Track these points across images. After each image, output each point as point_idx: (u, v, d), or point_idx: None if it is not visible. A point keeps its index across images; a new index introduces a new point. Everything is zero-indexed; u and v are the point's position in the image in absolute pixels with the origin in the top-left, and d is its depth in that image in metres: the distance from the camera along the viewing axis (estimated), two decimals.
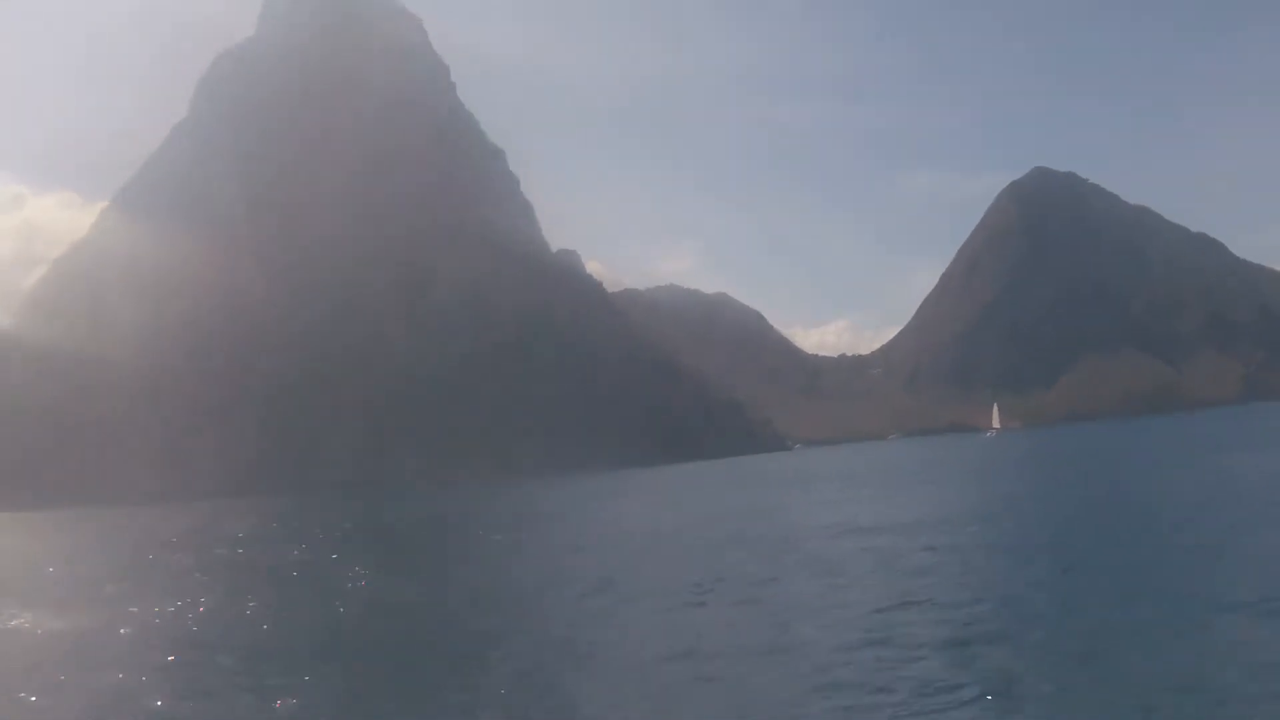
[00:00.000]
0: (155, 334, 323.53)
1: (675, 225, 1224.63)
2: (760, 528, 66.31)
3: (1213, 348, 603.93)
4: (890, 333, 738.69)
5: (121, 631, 39.36)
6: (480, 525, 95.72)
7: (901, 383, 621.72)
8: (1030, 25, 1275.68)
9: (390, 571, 58.84)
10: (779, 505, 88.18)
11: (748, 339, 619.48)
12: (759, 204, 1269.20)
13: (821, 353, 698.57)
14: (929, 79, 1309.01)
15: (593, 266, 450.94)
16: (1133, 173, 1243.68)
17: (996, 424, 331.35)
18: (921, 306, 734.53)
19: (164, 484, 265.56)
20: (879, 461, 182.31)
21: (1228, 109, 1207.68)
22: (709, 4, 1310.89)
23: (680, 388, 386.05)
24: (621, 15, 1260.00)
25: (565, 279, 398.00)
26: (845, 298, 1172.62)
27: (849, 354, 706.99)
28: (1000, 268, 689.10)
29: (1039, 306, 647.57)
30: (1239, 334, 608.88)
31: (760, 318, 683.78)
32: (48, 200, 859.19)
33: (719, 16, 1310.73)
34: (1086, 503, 67.99)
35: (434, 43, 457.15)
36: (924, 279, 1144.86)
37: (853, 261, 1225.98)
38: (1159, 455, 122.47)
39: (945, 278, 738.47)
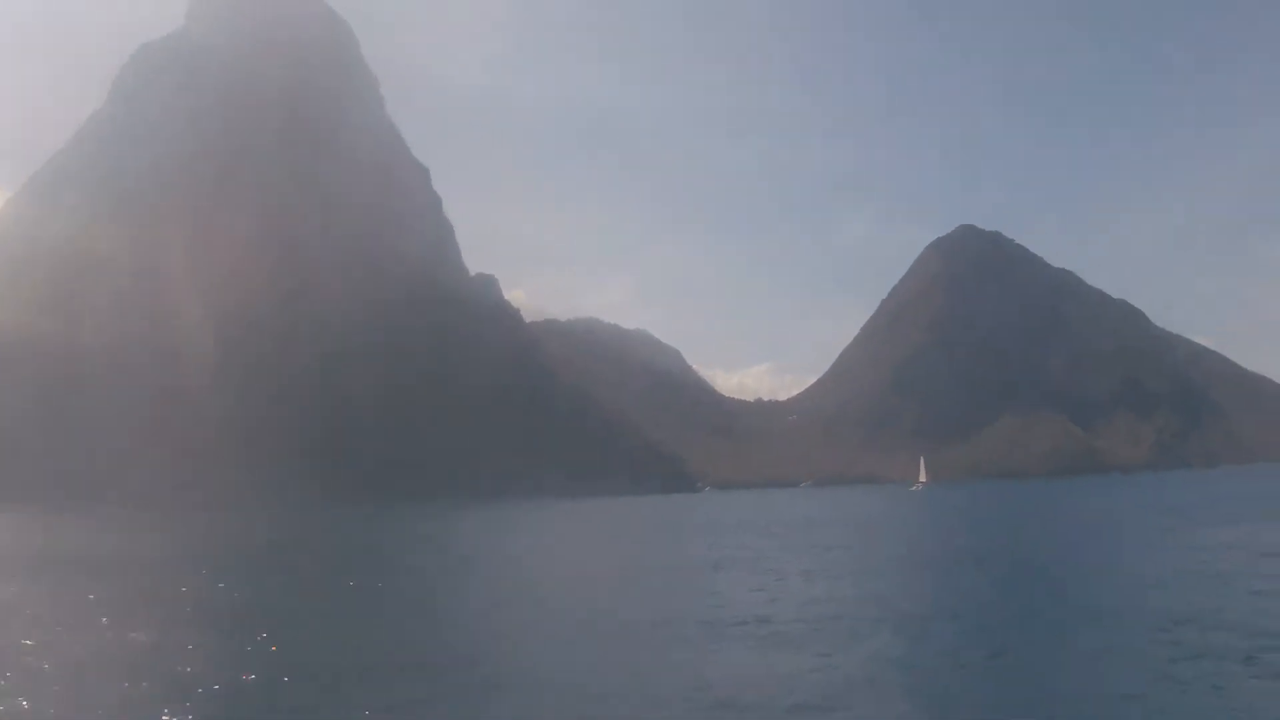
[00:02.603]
0: (57, 319, 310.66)
1: (605, 259, 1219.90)
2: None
3: (1128, 412, 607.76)
4: (810, 380, 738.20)
5: None
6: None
7: (818, 430, 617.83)
8: (967, 86, 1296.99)
9: None
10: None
11: (665, 378, 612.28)
12: (689, 243, 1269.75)
13: (740, 396, 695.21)
14: (865, 128, 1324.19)
15: (516, 295, 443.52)
16: (1057, 238, 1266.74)
17: (924, 477, 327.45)
18: (841, 356, 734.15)
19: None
20: (796, 513, 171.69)
21: (1153, 182, 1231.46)
22: (658, 39, 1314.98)
23: (590, 422, 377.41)
24: (570, 42, 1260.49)
25: (478, 304, 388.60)
26: (768, 342, 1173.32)
27: (767, 399, 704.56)
28: (922, 322, 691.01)
29: (958, 362, 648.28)
30: (1153, 401, 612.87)
31: (679, 357, 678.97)
32: None
33: (666, 53, 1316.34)
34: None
35: (366, 54, 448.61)
36: (847, 328, 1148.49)
37: (777, 306, 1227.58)
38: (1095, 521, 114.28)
39: (867, 328, 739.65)
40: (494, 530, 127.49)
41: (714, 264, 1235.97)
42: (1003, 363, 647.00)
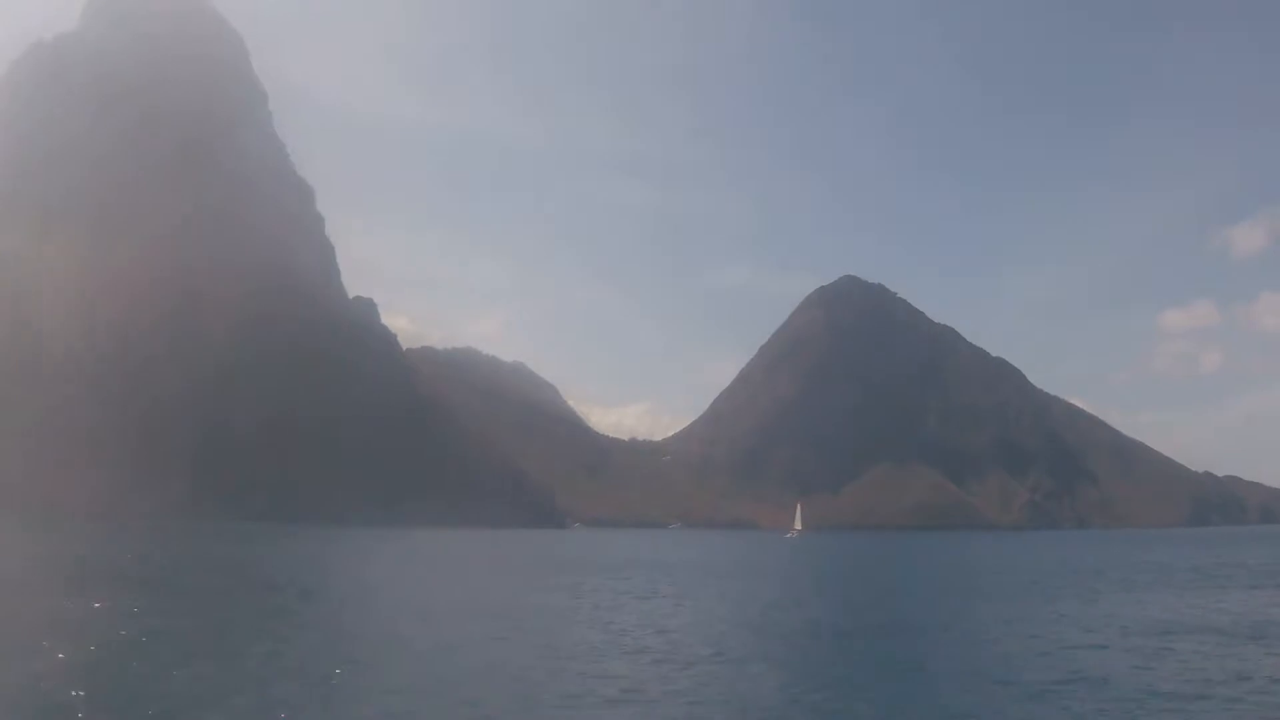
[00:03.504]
0: None
1: (486, 289, 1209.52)
2: None
3: (1001, 470, 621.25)
4: (687, 422, 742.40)
5: None
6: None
7: (691, 472, 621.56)
8: (858, 138, 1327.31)
9: None
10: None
11: (540, 412, 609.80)
12: (571, 278, 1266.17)
13: (616, 434, 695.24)
14: (753, 175, 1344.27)
15: (398, 321, 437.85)
16: (940, 294, 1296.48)
17: (799, 525, 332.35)
18: (718, 399, 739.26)
19: None
20: (665, 555, 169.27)
21: (1039, 245, 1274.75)
22: (551, 75, 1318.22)
23: (462, 453, 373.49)
24: (461, 70, 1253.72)
25: (355, 327, 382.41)
26: (646, 382, 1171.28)
27: (642, 438, 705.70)
28: (800, 369, 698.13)
29: (834, 412, 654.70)
30: (1027, 460, 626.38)
31: (555, 391, 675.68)
32: None
33: (559, 89, 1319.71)
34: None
35: (256, 66, 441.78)
36: (727, 371, 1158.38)
37: (657, 347, 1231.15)
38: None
39: (745, 372, 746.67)
40: (337, 557, 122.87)
41: (595, 301, 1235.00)
42: (879, 414, 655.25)
